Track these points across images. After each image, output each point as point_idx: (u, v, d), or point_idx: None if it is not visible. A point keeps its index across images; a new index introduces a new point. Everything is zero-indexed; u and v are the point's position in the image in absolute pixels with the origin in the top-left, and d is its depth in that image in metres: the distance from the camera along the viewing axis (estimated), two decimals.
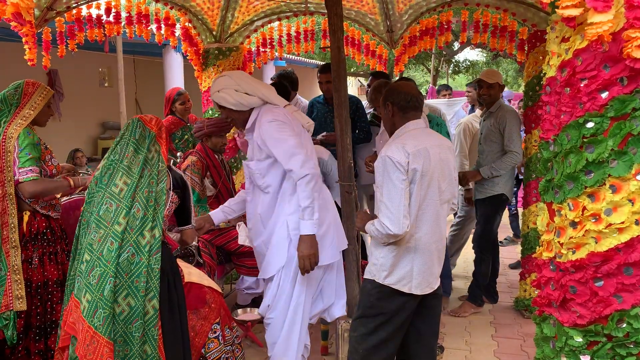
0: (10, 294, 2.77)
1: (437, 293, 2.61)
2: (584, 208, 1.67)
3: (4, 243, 2.80)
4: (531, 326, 3.87)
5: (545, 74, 1.85)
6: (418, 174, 2.40)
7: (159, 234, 2.27)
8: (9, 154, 2.81)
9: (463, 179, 4.16)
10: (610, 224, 1.63)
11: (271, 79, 4.94)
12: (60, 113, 8.41)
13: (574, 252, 1.71)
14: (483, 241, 4.20)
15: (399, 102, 2.54)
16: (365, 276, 2.62)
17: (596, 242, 1.66)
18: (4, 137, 2.83)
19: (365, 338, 2.58)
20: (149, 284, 2.24)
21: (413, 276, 2.48)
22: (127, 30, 4.52)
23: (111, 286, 2.19)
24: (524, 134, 4.27)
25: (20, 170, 2.81)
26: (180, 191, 2.55)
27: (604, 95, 1.61)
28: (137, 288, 2.22)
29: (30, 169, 2.81)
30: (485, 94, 4.24)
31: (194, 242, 3.74)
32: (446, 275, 4.38)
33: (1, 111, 2.89)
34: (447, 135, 4.24)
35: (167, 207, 2.40)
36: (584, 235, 1.68)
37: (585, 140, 1.66)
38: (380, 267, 2.52)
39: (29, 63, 3.67)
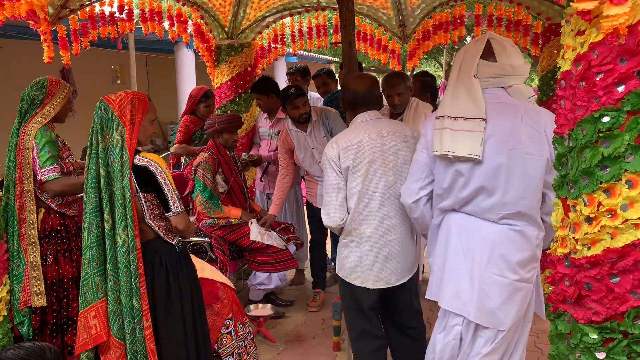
0: (29, 290, 2.81)
1: (403, 285, 2.60)
2: (600, 203, 1.65)
3: (22, 240, 2.84)
4: (545, 323, 3.84)
5: (559, 67, 1.83)
6: (350, 169, 2.47)
7: (131, 233, 2.25)
8: (27, 151, 2.83)
9: None
10: (626, 220, 1.61)
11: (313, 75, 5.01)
12: (74, 110, 8.51)
13: (589, 248, 1.69)
14: None
15: (347, 99, 2.61)
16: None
17: (612, 238, 1.64)
18: (23, 134, 2.85)
19: (350, 328, 2.72)
20: (130, 284, 2.26)
21: (363, 269, 2.53)
22: (140, 27, 4.54)
23: (111, 284, 2.27)
24: None
25: (42, 170, 2.82)
26: (151, 186, 2.33)
27: (620, 89, 1.59)
28: (122, 287, 2.26)
29: (52, 168, 2.83)
30: None
31: (205, 238, 3.76)
32: None
33: (26, 111, 2.91)
34: None
35: (146, 207, 2.34)
36: (599, 231, 1.66)
37: (600, 134, 1.64)
38: (337, 259, 2.67)
39: (45, 60, 3.70)
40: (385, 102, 3.79)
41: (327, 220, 2.54)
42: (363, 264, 2.53)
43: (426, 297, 2.40)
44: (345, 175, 2.48)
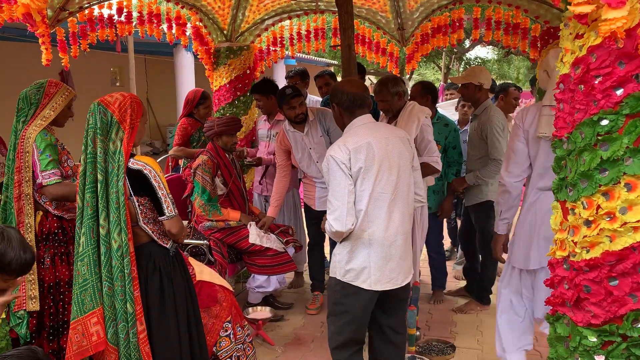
0: (24, 294, 2.80)
1: (402, 288, 2.61)
2: (599, 206, 1.66)
3: None
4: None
5: (558, 71, 1.83)
6: (362, 170, 2.44)
7: (125, 237, 2.25)
8: (26, 154, 2.83)
9: (452, 186, 4.14)
10: (625, 223, 1.61)
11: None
12: (73, 113, 8.50)
13: (588, 251, 1.69)
14: (485, 247, 4.16)
15: (343, 103, 2.60)
16: (329, 273, 2.69)
17: (611, 241, 1.64)
18: (23, 137, 2.85)
19: (336, 335, 2.63)
20: (124, 288, 2.26)
21: (371, 272, 2.50)
22: (138, 30, 4.55)
23: (106, 290, 2.26)
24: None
25: (43, 174, 2.81)
26: (145, 190, 2.32)
27: (619, 92, 1.59)
28: (116, 292, 2.26)
29: (53, 172, 2.82)
30: (460, 92, 4.18)
31: (204, 240, 3.76)
32: (442, 272, 4.39)
33: (21, 110, 2.89)
34: (456, 132, 4.20)
35: (140, 211, 2.33)
36: (598, 234, 1.66)
37: (599, 138, 1.64)
38: (337, 264, 2.58)
39: (43, 63, 3.70)
40: None
41: (337, 225, 2.44)
42: (372, 266, 2.50)
43: (521, 266, 2.76)
44: (356, 177, 2.46)
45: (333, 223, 2.45)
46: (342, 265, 2.56)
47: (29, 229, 2.85)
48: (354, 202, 2.47)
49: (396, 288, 2.57)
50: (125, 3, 4.34)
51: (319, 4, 4.89)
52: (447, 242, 5.81)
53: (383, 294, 2.57)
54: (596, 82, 1.63)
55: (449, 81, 10.61)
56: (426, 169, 3.58)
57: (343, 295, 2.59)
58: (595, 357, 1.71)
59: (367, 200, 2.46)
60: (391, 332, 2.71)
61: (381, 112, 3.86)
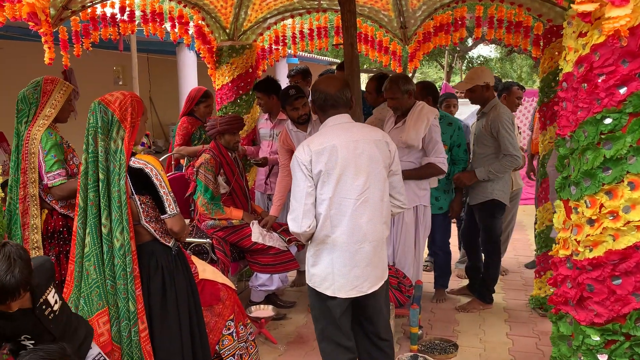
0: None
1: (374, 293, 2.53)
2: (602, 205, 1.65)
3: (25, 244, 2.82)
4: (547, 324, 3.84)
5: (561, 69, 1.83)
6: (322, 173, 2.38)
7: (127, 236, 2.25)
8: (32, 155, 2.82)
9: (458, 180, 4.11)
10: (628, 222, 1.61)
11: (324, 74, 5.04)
12: (76, 111, 8.51)
13: (591, 250, 1.69)
14: (489, 246, 4.15)
15: (316, 102, 2.55)
16: None
17: (614, 240, 1.64)
18: (27, 138, 2.85)
19: (319, 339, 2.62)
20: (127, 287, 2.27)
21: (335, 278, 2.45)
22: (142, 29, 4.55)
23: (108, 288, 2.27)
24: (531, 131, 4.16)
25: (48, 175, 2.81)
26: (146, 189, 2.32)
27: (622, 90, 1.59)
28: (119, 290, 2.27)
29: (58, 173, 2.83)
30: (468, 97, 4.20)
31: (207, 239, 3.77)
32: (446, 271, 4.40)
33: (21, 111, 2.89)
34: (460, 130, 4.19)
35: (142, 210, 2.33)
36: (601, 232, 1.66)
37: (602, 136, 1.64)
38: (306, 267, 2.57)
39: (46, 62, 3.70)
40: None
41: (293, 226, 2.42)
42: (335, 272, 2.44)
43: None
44: (317, 180, 2.40)
45: (290, 223, 2.44)
46: (309, 268, 2.54)
47: (35, 230, 2.85)
48: (315, 204, 2.42)
49: (363, 296, 2.49)
50: (127, 2, 4.34)
51: (321, 2, 4.88)
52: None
53: (358, 301, 2.52)
54: (599, 80, 1.62)
55: (452, 79, 10.58)
56: (432, 170, 3.57)
57: (312, 302, 2.58)
58: (598, 356, 1.71)
59: (328, 204, 2.39)
60: (376, 339, 2.65)
61: (389, 111, 3.85)
